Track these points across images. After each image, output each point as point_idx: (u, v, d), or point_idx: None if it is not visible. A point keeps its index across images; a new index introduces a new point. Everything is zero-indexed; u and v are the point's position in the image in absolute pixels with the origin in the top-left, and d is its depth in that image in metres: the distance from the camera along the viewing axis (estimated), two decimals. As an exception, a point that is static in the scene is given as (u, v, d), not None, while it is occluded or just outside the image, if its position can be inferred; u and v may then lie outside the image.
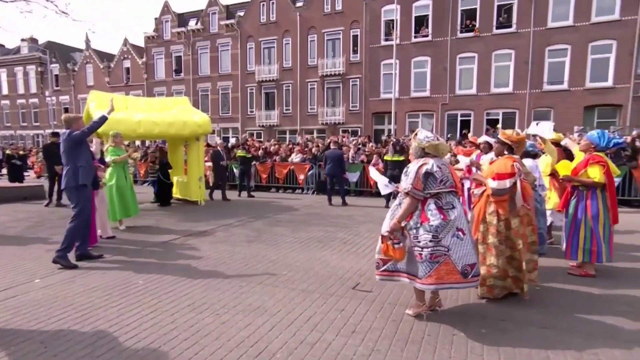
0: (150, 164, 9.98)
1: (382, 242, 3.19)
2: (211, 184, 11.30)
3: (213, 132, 27.38)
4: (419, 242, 3.03)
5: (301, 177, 12.50)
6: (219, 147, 10.87)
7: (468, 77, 20.88)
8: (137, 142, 19.84)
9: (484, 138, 6.40)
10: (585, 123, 17.44)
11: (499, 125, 17.08)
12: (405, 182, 3.12)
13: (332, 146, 10.34)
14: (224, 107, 28.65)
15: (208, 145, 15.19)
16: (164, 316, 3.31)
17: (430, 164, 3.05)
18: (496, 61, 20.15)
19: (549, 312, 3.32)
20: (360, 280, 4.20)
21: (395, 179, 9.43)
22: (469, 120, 20.96)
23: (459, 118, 21.32)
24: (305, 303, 3.62)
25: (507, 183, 3.42)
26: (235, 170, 12.64)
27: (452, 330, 3.02)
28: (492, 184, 3.48)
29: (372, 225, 7.19)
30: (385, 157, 9.85)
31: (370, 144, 13.29)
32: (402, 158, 9.67)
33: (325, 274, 4.44)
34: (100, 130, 5.52)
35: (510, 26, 19.75)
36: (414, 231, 3.07)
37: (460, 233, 2.99)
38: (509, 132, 3.67)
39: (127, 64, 31.65)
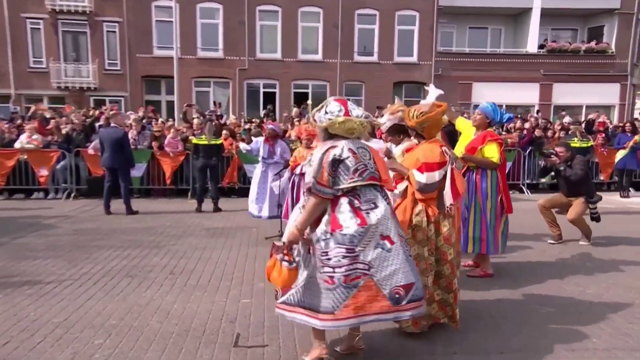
0: None
1: (271, 256, 2.98)
2: None
3: None
4: (329, 259, 2.85)
5: (43, 172, 10.32)
6: None
7: (271, 37, 21.86)
8: None
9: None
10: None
11: (310, 102, 18.54)
12: (308, 176, 2.95)
13: (108, 122, 8.84)
14: None
15: None
16: None
17: (340, 147, 2.92)
18: (303, 20, 21.84)
19: (491, 332, 3.63)
20: (237, 330, 3.61)
21: (213, 170, 9.12)
22: (274, 93, 22.05)
23: (262, 89, 22.16)
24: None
25: (437, 175, 3.48)
26: None
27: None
28: (421, 177, 3.46)
29: (196, 240, 6.61)
30: (195, 140, 9.14)
31: (160, 120, 12.19)
32: (220, 141, 9.25)
33: (176, 331, 3.64)
34: None
35: (317, -21, 21.75)
36: (322, 244, 2.87)
37: (386, 242, 2.88)
38: (406, 110, 3.77)
39: None
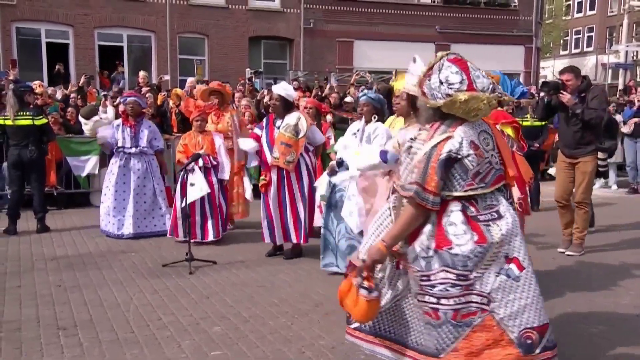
0: None
1: (346, 276, 3.17)
2: None
3: None
4: (432, 286, 3.02)
5: None
6: None
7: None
8: None
9: (281, 88, 6.68)
10: (253, 64, 21.39)
11: (124, 67, 17.98)
12: (405, 175, 3.09)
13: None
14: None
15: None
16: None
17: (458, 138, 2.96)
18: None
19: None
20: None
21: (32, 167, 8.40)
22: (66, 46, 20.97)
23: (44, 38, 20.92)
24: None
25: None
26: None
27: None
28: None
29: (52, 277, 6.30)
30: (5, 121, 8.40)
31: None
32: (42, 120, 8.62)
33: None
34: None
35: None
36: (423, 264, 3.04)
37: (513, 267, 3.04)
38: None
39: None
